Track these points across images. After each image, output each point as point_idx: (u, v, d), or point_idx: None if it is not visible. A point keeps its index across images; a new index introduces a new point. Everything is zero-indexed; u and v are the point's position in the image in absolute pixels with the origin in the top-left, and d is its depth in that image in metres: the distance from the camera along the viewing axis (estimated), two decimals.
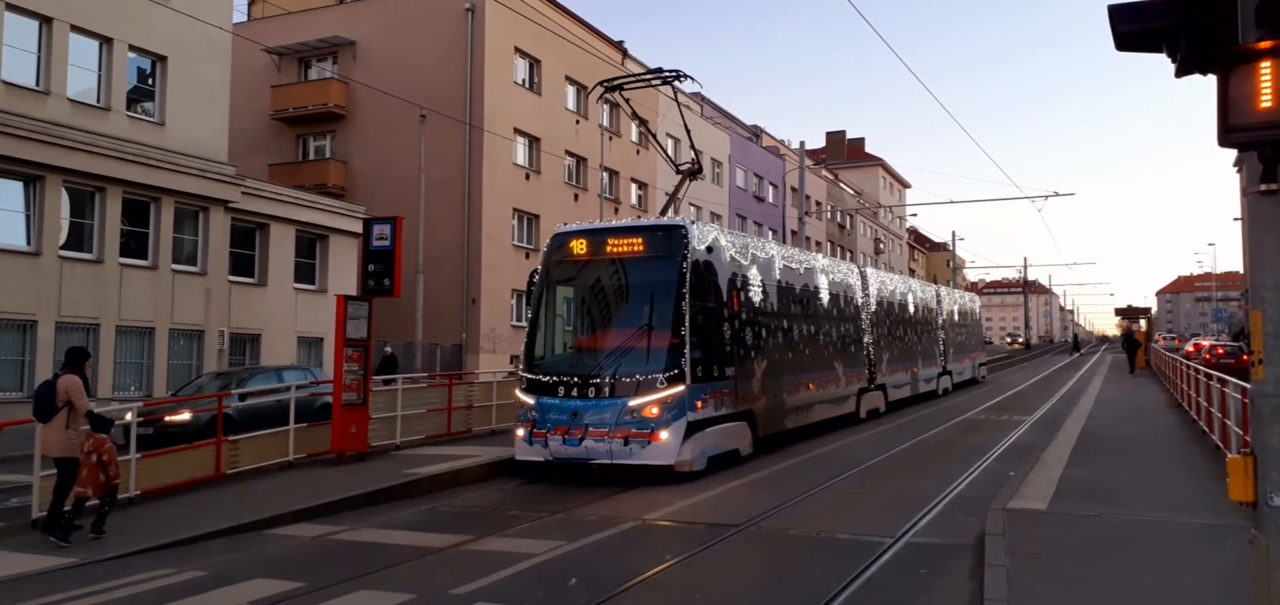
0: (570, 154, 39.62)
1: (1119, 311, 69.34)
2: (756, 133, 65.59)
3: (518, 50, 36.40)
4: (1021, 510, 9.67)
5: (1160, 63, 4.46)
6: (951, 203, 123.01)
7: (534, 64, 37.35)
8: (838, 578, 7.69)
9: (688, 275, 13.25)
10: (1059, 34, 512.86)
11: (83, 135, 22.38)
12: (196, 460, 12.90)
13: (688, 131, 18.17)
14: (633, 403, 12.73)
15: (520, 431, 13.58)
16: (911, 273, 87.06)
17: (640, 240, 13.93)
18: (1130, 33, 4.49)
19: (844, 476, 13.58)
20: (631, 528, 10.18)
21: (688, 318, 13.11)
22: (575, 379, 13.15)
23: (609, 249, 13.99)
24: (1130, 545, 8.32)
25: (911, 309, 27.37)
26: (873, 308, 23.11)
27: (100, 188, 23.12)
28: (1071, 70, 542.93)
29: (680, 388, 12.87)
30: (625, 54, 45.14)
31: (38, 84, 22.15)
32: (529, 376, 13.74)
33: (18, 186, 21.85)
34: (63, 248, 22.57)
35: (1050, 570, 7.41)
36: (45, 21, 22.20)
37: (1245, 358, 52.10)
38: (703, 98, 58.77)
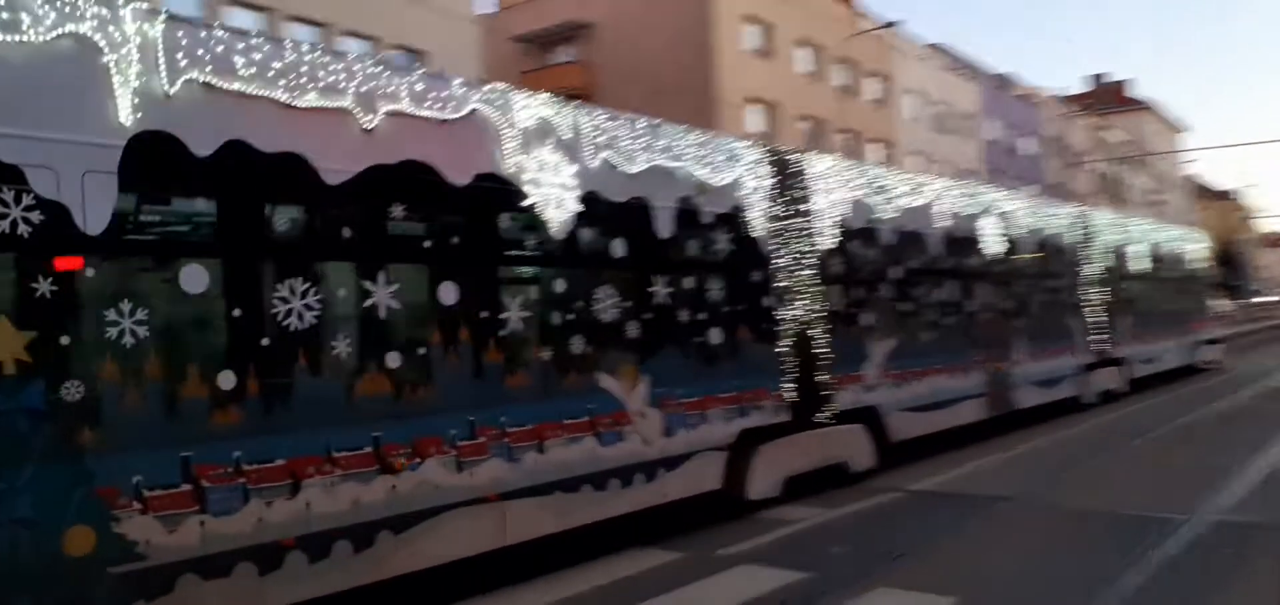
0: (806, 118, 38.83)
1: None
2: (1005, 81, 61.36)
3: (749, 17, 36.07)
4: None
5: None
6: (1242, 145, 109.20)
7: (767, 29, 36.85)
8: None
9: None
10: None
11: None
12: None
13: None
14: None
15: None
16: (1193, 225, 78.23)
17: None
18: None
19: None
20: (896, 497, 9.75)
21: None
22: None
23: None
24: None
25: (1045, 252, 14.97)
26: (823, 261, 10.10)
27: None
28: None
29: None
30: (852, 8, 43.35)
31: None
32: None
33: None
34: None
35: None
36: (319, 26, 24.43)
37: None
38: (943, 48, 55.68)
